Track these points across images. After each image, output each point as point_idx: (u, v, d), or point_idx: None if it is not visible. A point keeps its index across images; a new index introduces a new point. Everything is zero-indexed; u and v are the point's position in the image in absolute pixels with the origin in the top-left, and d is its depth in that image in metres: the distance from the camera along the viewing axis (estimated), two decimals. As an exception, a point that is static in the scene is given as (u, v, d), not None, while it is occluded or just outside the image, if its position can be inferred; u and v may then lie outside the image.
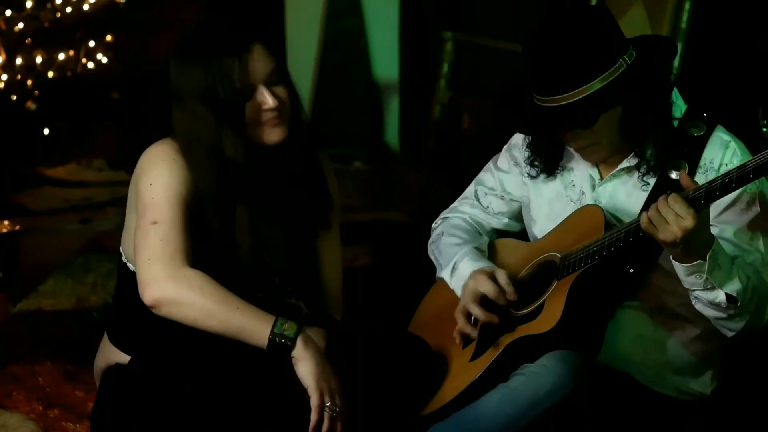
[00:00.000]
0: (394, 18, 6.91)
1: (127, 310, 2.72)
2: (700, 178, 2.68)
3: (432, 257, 3.04)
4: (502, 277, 2.76)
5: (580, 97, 2.64)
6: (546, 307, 2.67)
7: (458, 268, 2.90)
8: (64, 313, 4.21)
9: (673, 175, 2.73)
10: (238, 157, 2.63)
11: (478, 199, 3.05)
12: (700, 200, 2.47)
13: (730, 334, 2.64)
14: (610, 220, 2.71)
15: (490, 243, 3.02)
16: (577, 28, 2.67)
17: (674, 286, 2.65)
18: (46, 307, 4.29)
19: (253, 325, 2.53)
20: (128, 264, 2.71)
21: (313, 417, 2.50)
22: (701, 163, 2.72)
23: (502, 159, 3.03)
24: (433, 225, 3.10)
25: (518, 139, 3.00)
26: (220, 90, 2.60)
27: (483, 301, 2.75)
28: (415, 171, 6.30)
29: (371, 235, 5.17)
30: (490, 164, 3.06)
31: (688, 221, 2.45)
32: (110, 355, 2.73)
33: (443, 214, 3.11)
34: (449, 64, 5.89)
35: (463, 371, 2.73)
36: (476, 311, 2.75)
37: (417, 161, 6.43)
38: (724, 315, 2.59)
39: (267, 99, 2.63)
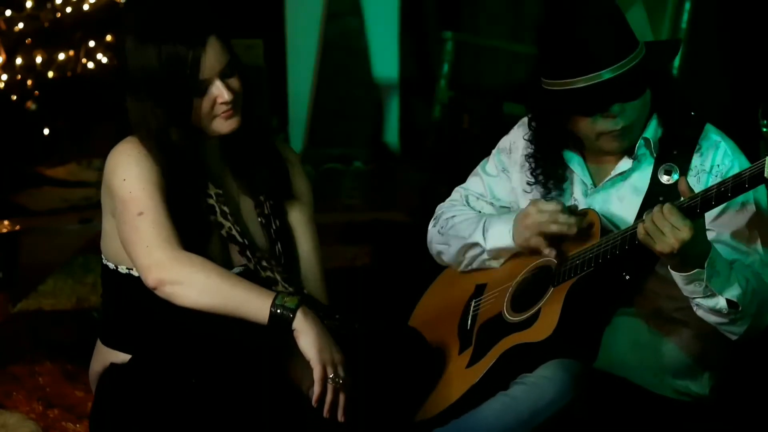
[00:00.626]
0: (394, 18, 6.91)
1: (117, 312, 2.73)
2: (692, 181, 2.68)
3: (441, 246, 2.99)
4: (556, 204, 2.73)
5: (632, 65, 2.64)
6: (542, 315, 2.66)
7: (490, 227, 2.86)
8: (64, 313, 4.21)
9: (664, 179, 2.72)
10: (187, 146, 2.65)
11: (468, 203, 3.03)
12: (695, 209, 2.46)
13: (734, 337, 2.63)
14: (605, 225, 2.71)
15: None
16: (608, 7, 2.68)
17: (670, 291, 2.65)
18: (46, 307, 4.29)
19: (254, 299, 2.54)
20: (108, 263, 2.72)
21: (316, 389, 2.50)
22: (692, 165, 2.72)
23: (491, 164, 3.02)
24: (429, 226, 3.08)
25: (506, 144, 2.99)
26: (171, 82, 2.61)
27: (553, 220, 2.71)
28: (415, 171, 6.30)
29: (371, 235, 5.17)
30: (477, 169, 3.04)
31: (685, 233, 2.45)
32: (106, 357, 2.73)
33: (437, 212, 3.07)
34: (449, 64, 5.88)
35: (460, 377, 2.72)
36: (563, 218, 2.69)
37: (417, 161, 6.43)
38: (726, 320, 2.58)
39: (222, 92, 2.64)
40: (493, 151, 3.02)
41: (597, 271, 2.63)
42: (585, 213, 2.75)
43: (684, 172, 2.71)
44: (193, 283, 2.54)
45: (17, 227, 4.59)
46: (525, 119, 2.95)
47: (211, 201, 2.69)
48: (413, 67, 6.99)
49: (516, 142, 2.95)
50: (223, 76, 2.65)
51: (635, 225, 2.58)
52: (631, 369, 2.71)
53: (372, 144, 6.93)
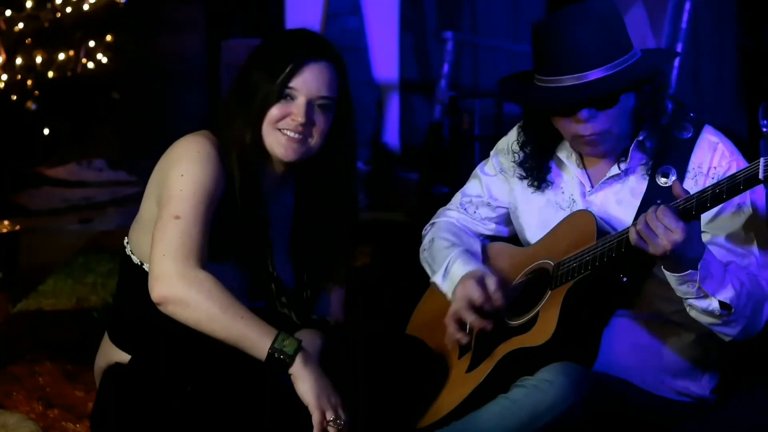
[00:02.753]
0: (394, 18, 6.91)
1: (128, 306, 2.72)
2: (689, 184, 2.68)
3: (424, 264, 3.02)
4: (491, 282, 2.75)
5: (611, 72, 2.62)
6: (540, 319, 2.66)
7: (450, 271, 2.88)
8: (64, 313, 4.21)
9: (662, 182, 2.72)
10: (256, 150, 2.63)
11: (464, 207, 3.03)
12: (690, 211, 2.46)
13: (727, 338, 2.63)
14: (602, 227, 2.70)
15: (484, 247, 3.01)
16: (602, 11, 2.66)
17: (668, 293, 2.64)
18: (46, 307, 4.29)
19: (254, 336, 2.53)
20: (132, 256, 2.70)
21: None
22: (690, 167, 2.71)
23: (489, 165, 3.02)
24: (423, 232, 3.09)
25: (504, 145, 2.99)
26: (263, 82, 2.62)
27: (475, 306, 2.75)
28: (415, 171, 6.30)
29: (371, 235, 5.16)
30: (476, 171, 3.05)
31: (677, 235, 2.44)
32: (110, 354, 2.73)
33: (433, 218, 3.10)
34: (449, 64, 5.88)
35: (460, 382, 2.72)
36: (470, 317, 2.73)
37: (417, 161, 6.43)
38: (719, 321, 2.58)
39: (300, 111, 2.63)
40: (492, 152, 3.03)
41: (594, 274, 2.63)
42: (574, 224, 2.74)
43: (682, 174, 2.70)
44: (195, 308, 2.52)
45: (17, 227, 4.59)
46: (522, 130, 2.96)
47: (260, 221, 2.67)
48: (413, 67, 6.99)
49: (514, 143, 2.95)
50: (313, 103, 2.64)
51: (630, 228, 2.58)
52: (631, 371, 2.71)
53: (372, 144, 6.93)
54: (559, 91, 2.65)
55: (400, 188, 6.41)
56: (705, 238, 2.57)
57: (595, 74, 2.63)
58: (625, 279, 2.65)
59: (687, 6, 5.32)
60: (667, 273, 2.54)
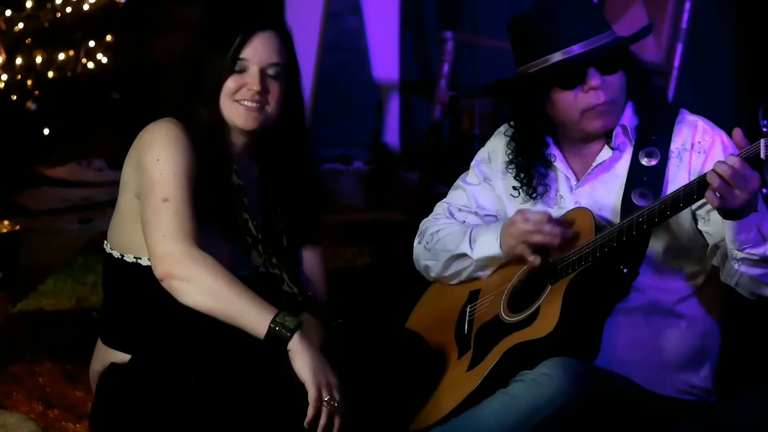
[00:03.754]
0: (394, 18, 6.90)
1: (118, 304, 2.72)
2: (675, 162, 2.72)
3: (429, 261, 3.00)
4: (536, 215, 2.75)
5: (605, 41, 2.71)
6: (542, 312, 2.66)
7: (477, 238, 2.87)
8: (64, 313, 4.21)
9: (645, 161, 2.75)
10: (215, 127, 2.68)
11: (453, 215, 3.03)
12: (758, 156, 2.44)
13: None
14: (599, 222, 2.71)
15: None
16: None
17: (668, 283, 2.66)
18: (46, 307, 4.29)
19: (255, 312, 2.55)
20: (113, 252, 2.71)
21: (310, 411, 2.51)
22: (672, 147, 2.75)
23: (471, 175, 3.03)
24: (416, 242, 3.06)
25: (484, 154, 3.01)
26: (215, 57, 2.68)
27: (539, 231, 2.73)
28: (415, 171, 6.29)
29: (371, 235, 5.16)
30: (459, 182, 3.05)
31: (755, 182, 2.45)
32: (106, 357, 2.73)
33: (421, 228, 3.07)
34: (449, 64, 5.88)
35: (461, 381, 2.72)
36: (548, 228, 2.71)
37: (417, 161, 6.42)
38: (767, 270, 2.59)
39: (254, 81, 2.69)
40: (472, 164, 3.05)
41: (594, 266, 2.64)
42: (572, 222, 2.75)
43: (666, 156, 2.73)
44: (199, 283, 2.55)
45: (17, 227, 4.59)
46: (502, 128, 2.97)
47: (233, 190, 2.71)
48: (413, 67, 6.99)
49: (495, 150, 2.97)
50: (265, 72, 2.69)
51: (630, 218, 2.60)
52: (633, 366, 2.71)
53: (372, 144, 6.93)
54: (565, 62, 2.71)
55: (400, 188, 6.41)
56: None
57: (600, 39, 2.71)
58: (625, 270, 2.67)
59: (687, 6, 5.32)
60: (729, 223, 2.54)
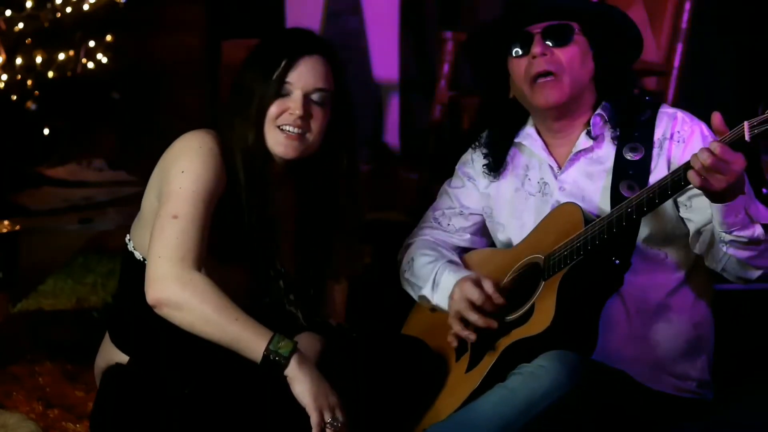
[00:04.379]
0: (394, 18, 6.90)
1: (129, 304, 2.72)
2: (656, 152, 2.75)
3: (407, 286, 3.03)
4: (487, 283, 2.77)
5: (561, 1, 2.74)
6: (537, 309, 2.66)
7: (440, 282, 2.90)
8: (64, 313, 4.21)
9: (629, 155, 2.76)
10: (259, 149, 2.63)
11: (437, 221, 3.05)
12: (743, 138, 2.45)
13: (755, 275, 2.66)
14: (587, 215, 2.72)
15: (463, 257, 3.02)
16: None
17: (656, 278, 2.68)
18: (46, 307, 4.29)
19: (249, 338, 2.53)
20: (135, 252, 2.70)
21: None
22: (654, 140, 2.77)
23: (455, 179, 3.06)
24: (399, 257, 3.09)
25: (467, 157, 3.02)
26: (260, 81, 2.64)
27: (476, 307, 2.76)
28: (415, 171, 6.29)
29: (371, 235, 5.16)
30: (444, 187, 3.09)
31: (739, 164, 2.46)
32: (110, 354, 2.73)
33: (405, 243, 3.11)
34: (449, 64, 5.87)
35: (461, 383, 2.73)
36: (473, 317, 2.74)
37: (417, 161, 6.42)
38: (755, 252, 2.61)
39: (297, 105, 2.63)
40: (456, 167, 3.08)
41: (586, 259, 2.64)
42: (559, 218, 2.76)
43: (649, 150, 2.74)
44: (190, 311, 2.53)
45: (17, 227, 4.59)
46: (481, 136, 3.01)
47: (268, 221, 2.68)
48: (413, 67, 6.98)
49: (475, 152, 3.00)
50: (309, 97, 2.65)
51: (619, 209, 2.61)
52: (629, 362, 2.72)
53: (372, 144, 6.93)
54: (513, 14, 2.78)
55: (400, 188, 6.40)
56: None
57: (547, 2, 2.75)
58: (617, 261, 2.67)
59: (687, 6, 5.31)
60: (715, 207, 2.56)
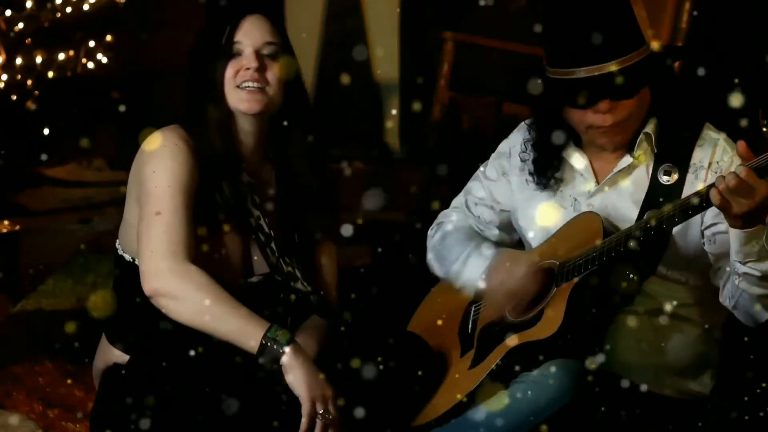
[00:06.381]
0: (394, 18, 6.90)
1: (125, 305, 2.72)
2: (690, 178, 2.71)
3: (434, 261, 3.01)
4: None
5: (629, 64, 2.64)
6: (546, 314, 2.66)
7: (481, 250, 2.88)
8: (64, 313, 4.21)
9: (664, 180, 2.73)
10: (222, 123, 2.67)
11: (469, 209, 3.03)
12: (766, 168, 2.45)
13: (765, 316, 2.64)
14: (608, 227, 2.71)
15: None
16: (616, 2, 2.69)
17: (671, 290, 2.66)
18: (46, 307, 4.29)
19: (246, 327, 2.53)
20: (125, 255, 2.71)
21: (304, 424, 2.51)
22: (691, 163, 2.73)
23: (491, 168, 3.01)
24: (430, 232, 3.08)
25: (506, 148, 2.99)
26: (210, 50, 2.69)
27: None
28: (415, 171, 6.29)
29: (371, 235, 5.16)
30: (479, 173, 3.04)
31: (763, 190, 2.44)
32: (109, 355, 2.73)
33: (438, 220, 3.09)
34: (449, 64, 5.88)
35: (463, 379, 2.72)
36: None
37: (417, 161, 6.42)
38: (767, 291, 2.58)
39: (250, 61, 2.68)
40: (493, 155, 3.02)
41: (600, 270, 2.63)
42: (579, 225, 2.75)
43: (684, 169, 2.72)
44: (186, 300, 2.54)
45: (17, 227, 4.59)
46: (524, 123, 2.95)
47: (244, 188, 2.70)
48: (413, 67, 6.98)
49: (516, 146, 2.95)
50: (260, 52, 2.69)
51: (637, 225, 2.59)
52: (633, 368, 2.71)
53: (372, 144, 6.93)
54: (577, 82, 2.65)
55: (400, 188, 6.40)
56: None
57: (613, 66, 2.64)
58: (632, 275, 2.66)
59: (687, 6, 5.31)
60: (734, 232, 2.54)
